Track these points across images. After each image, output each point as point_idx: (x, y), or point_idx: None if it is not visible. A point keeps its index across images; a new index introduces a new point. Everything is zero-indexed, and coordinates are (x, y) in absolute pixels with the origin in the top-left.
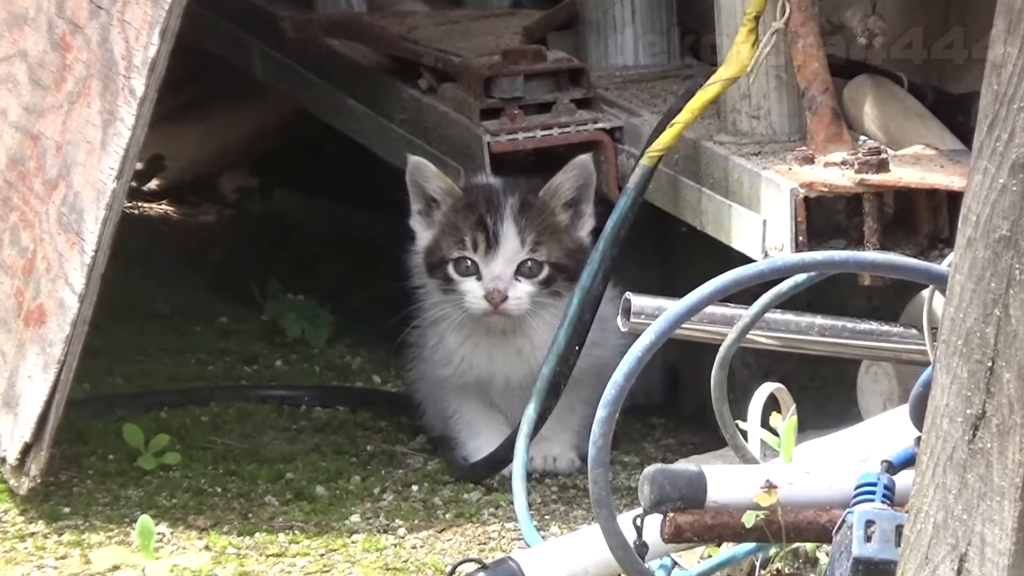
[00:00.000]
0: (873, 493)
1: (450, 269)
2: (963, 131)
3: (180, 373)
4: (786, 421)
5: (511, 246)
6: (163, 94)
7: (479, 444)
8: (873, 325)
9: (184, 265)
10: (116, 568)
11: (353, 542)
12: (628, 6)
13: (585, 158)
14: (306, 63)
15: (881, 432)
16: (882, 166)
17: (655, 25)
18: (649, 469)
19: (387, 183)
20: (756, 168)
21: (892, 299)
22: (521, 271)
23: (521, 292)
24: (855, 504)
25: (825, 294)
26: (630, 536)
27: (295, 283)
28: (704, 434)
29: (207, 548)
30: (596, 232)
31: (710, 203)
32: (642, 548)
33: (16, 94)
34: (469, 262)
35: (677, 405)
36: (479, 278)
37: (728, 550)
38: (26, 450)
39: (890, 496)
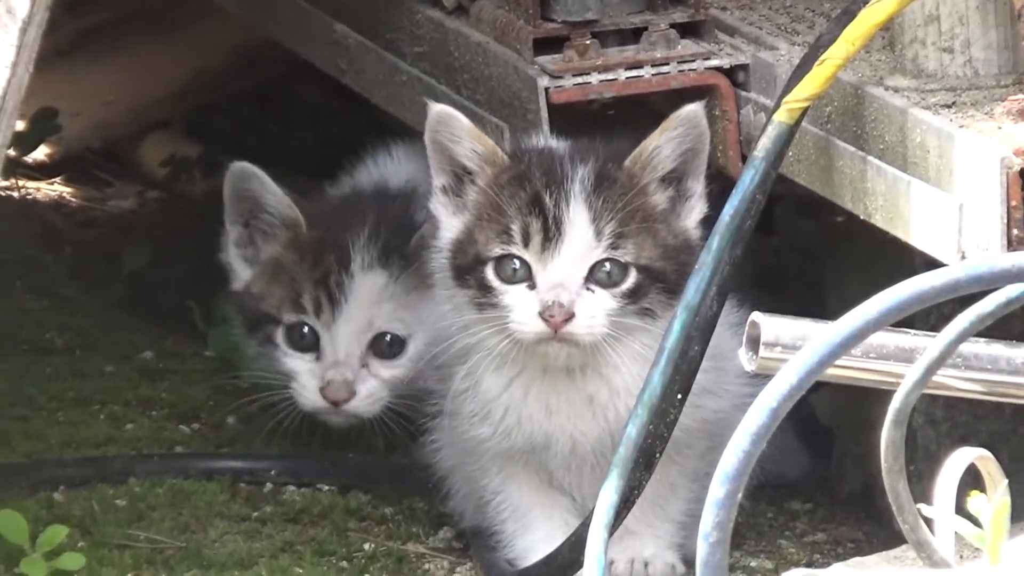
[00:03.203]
0: None
1: (489, 273)
2: None
3: (83, 435)
4: (994, 505)
5: (581, 240)
6: (57, 16)
7: (533, 541)
8: None
9: (89, 275)
10: None
11: None
12: None
13: (694, 110)
14: None
15: None
16: None
17: None
18: None
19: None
20: (949, 127)
21: None
22: (596, 277)
23: (595, 308)
24: None
25: None
26: None
27: None
28: (869, 525)
29: None
30: (709, 222)
31: (879, 179)
32: None
33: None
34: (517, 262)
35: (830, 483)
36: (532, 286)
37: None
38: None
39: None
